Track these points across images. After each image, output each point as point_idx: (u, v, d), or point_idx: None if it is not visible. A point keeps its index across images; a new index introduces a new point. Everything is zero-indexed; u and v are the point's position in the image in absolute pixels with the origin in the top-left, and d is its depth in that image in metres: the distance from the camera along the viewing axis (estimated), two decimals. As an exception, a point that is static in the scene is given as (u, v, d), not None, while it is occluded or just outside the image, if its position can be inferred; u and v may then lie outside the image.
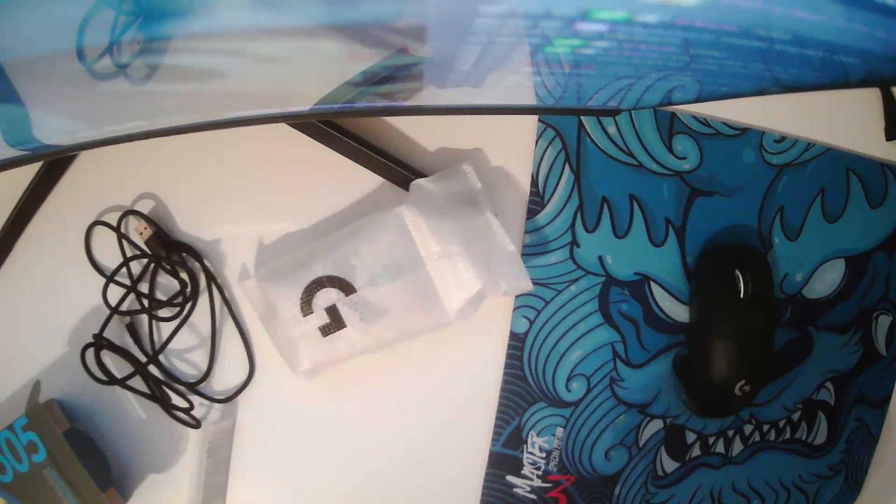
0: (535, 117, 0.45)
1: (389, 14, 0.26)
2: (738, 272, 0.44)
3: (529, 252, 0.45)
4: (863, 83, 0.32)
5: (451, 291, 0.41)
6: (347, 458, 0.45)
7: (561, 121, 0.45)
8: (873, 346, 0.48)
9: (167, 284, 0.44)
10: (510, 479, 0.46)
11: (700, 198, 0.46)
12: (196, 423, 0.44)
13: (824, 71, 0.31)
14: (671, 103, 0.42)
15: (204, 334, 0.45)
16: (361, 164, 0.44)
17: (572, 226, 0.45)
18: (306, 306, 0.41)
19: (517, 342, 0.45)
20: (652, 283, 0.46)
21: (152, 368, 0.44)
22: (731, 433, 0.47)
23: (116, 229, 0.43)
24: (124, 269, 0.43)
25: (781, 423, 0.47)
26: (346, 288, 0.41)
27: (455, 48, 0.29)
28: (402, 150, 0.45)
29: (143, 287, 0.44)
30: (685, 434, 0.47)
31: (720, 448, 0.47)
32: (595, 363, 0.46)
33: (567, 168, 0.45)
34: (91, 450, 0.42)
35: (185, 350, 0.45)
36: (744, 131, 0.46)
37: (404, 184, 0.43)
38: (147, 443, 0.44)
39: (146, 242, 0.43)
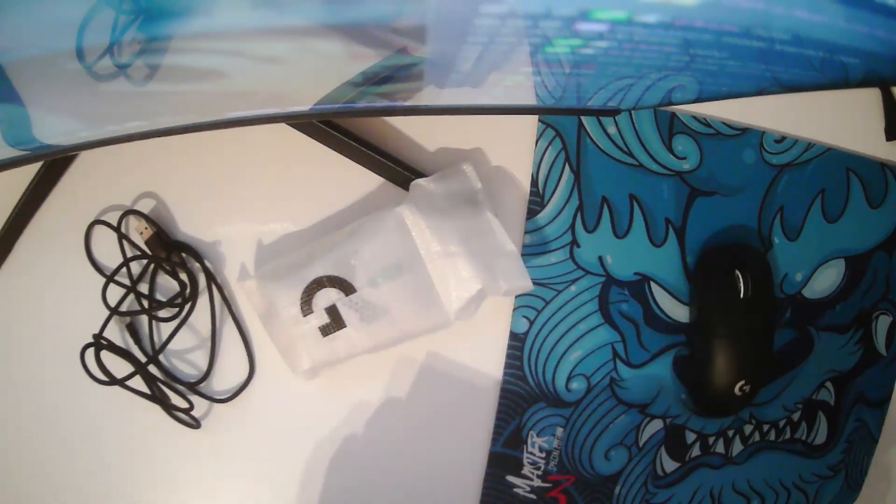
0: (535, 117, 0.45)
1: (389, 14, 0.26)
2: (738, 272, 0.44)
3: (529, 252, 0.45)
4: (863, 83, 0.32)
5: (450, 291, 0.41)
6: (347, 458, 0.45)
7: (561, 121, 0.45)
8: (873, 346, 0.48)
9: (167, 285, 0.44)
10: (510, 479, 0.46)
11: (700, 198, 0.46)
12: (196, 424, 0.44)
13: (824, 71, 0.31)
14: (671, 103, 0.42)
15: (204, 334, 0.45)
16: (361, 164, 0.44)
17: (572, 226, 0.45)
18: (306, 306, 0.41)
19: (517, 342, 0.45)
20: (652, 283, 0.46)
21: (152, 368, 0.44)
22: (731, 433, 0.47)
23: (116, 229, 0.43)
24: (124, 269, 0.43)
25: (781, 423, 0.47)
26: (346, 288, 0.41)
27: (455, 48, 0.29)
28: (402, 150, 0.45)
29: (143, 287, 0.44)
30: (685, 434, 0.47)
31: (720, 448, 0.47)
32: (595, 363, 0.46)
33: (567, 168, 0.45)
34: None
35: (185, 350, 0.45)
36: (744, 131, 0.46)
37: (404, 184, 0.43)
38: (147, 443, 0.44)
39: (146, 242, 0.43)
